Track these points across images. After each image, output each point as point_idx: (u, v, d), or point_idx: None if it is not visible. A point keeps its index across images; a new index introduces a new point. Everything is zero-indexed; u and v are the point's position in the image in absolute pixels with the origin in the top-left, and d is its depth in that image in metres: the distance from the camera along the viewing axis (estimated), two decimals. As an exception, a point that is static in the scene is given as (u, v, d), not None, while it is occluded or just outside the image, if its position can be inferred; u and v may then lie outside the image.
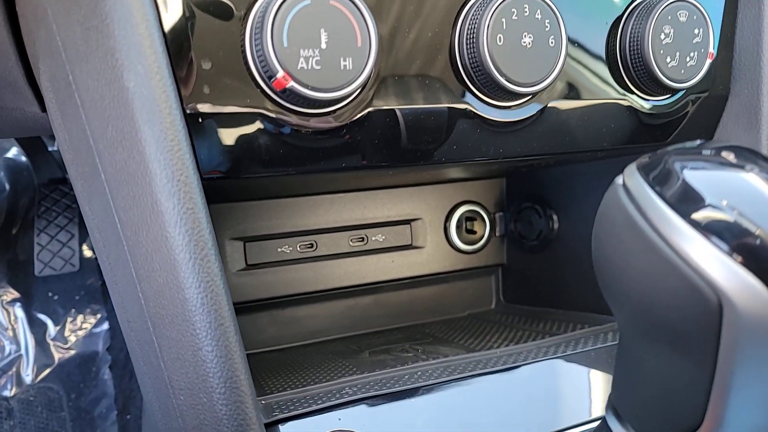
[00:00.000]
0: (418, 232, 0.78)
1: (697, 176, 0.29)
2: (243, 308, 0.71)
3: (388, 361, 0.63)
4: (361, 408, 0.52)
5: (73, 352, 1.39)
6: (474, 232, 0.82)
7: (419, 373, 0.57)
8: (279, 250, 0.72)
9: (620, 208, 0.31)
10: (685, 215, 0.28)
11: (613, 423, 0.37)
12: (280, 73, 0.39)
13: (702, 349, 0.29)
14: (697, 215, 0.28)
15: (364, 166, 0.47)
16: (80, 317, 1.45)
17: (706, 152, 0.31)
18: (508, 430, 0.51)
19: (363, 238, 0.76)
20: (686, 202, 0.28)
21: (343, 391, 0.53)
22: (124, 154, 0.37)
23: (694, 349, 0.30)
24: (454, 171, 0.70)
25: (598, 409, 0.54)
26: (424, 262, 0.79)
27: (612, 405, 0.38)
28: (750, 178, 0.28)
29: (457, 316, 0.82)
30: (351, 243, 0.75)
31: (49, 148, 1.41)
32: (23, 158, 1.44)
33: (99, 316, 1.44)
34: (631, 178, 0.31)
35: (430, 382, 0.54)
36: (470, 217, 0.81)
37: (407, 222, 0.78)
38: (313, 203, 0.73)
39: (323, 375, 0.59)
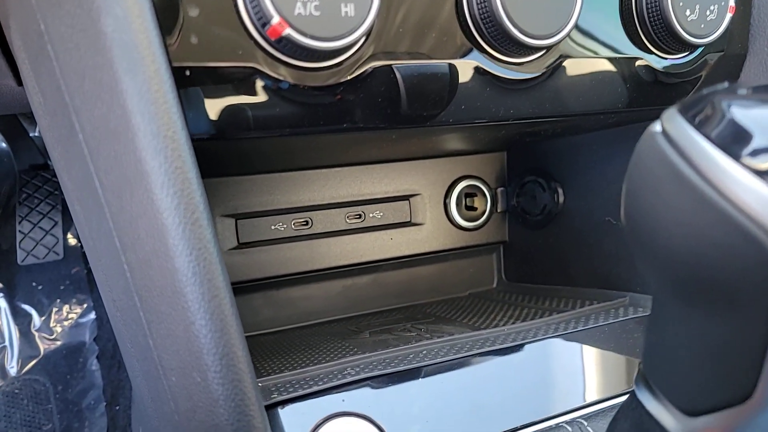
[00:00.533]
0: (417, 208, 0.75)
1: (750, 114, 0.26)
2: (236, 289, 0.67)
3: (391, 341, 0.60)
4: (365, 389, 0.48)
5: (59, 343, 1.35)
6: (474, 209, 0.78)
7: (424, 351, 0.54)
8: (272, 227, 0.68)
9: (660, 156, 0.28)
10: (738, 157, 0.25)
11: (644, 396, 0.35)
12: (276, 19, 0.35)
13: (755, 307, 0.26)
14: (752, 157, 0.25)
15: (364, 128, 0.43)
16: (66, 307, 1.40)
17: (754, 91, 0.28)
18: (521, 410, 0.48)
19: (360, 215, 0.72)
20: (739, 143, 0.25)
21: (345, 372, 0.50)
22: (103, 109, 0.33)
23: (748, 307, 0.27)
24: (454, 142, 0.66)
25: (618, 384, 0.51)
26: (424, 240, 0.76)
27: (643, 377, 0.35)
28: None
29: (458, 296, 0.79)
30: (348, 220, 0.72)
31: (30, 134, 1.36)
32: (3, 144, 1.39)
33: (85, 305, 1.40)
34: (671, 122, 0.28)
35: (437, 360, 0.51)
36: (470, 192, 0.78)
37: (406, 198, 0.75)
38: (307, 178, 0.69)
39: (323, 356, 0.56)
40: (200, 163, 0.36)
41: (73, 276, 1.40)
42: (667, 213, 0.28)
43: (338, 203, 0.71)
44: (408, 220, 0.75)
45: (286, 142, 0.48)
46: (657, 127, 0.29)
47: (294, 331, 0.70)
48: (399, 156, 0.73)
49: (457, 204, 0.77)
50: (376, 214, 0.73)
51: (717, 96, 0.27)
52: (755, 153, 0.25)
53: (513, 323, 0.63)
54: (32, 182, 1.30)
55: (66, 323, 1.38)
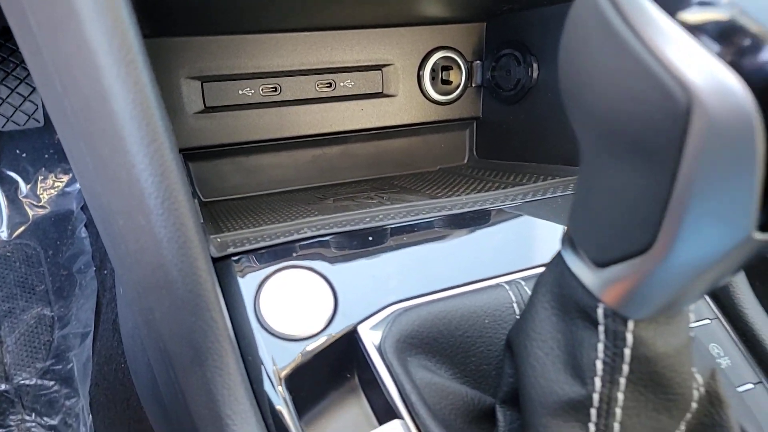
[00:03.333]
0: (390, 78, 0.74)
1: None
2: (205, 153, 0.68)
3: (352, 206, 0.61)
4: (318, 246, 0.50)
5: (47, 210, 1.38)
6: (449, 83, 0.77)
7: (380, 216, 0.55)
8: (240, 92, 0.67)
9: (593, 7, 0.27)
10: (672, 11, 0.24)
11: (566, 252, 0.36)
12: None
13: (664, 159, 0.27)
14: (685, 10, 0.24)
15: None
16: (51, 176, 1.42)
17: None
18: (466, 269, 0.51)
19: (330, 84, 0.71)
20: (674, -2, 0.25)
21: (301, 231, 0.52)
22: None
23: (656, 158, 0.27)
24: (431, 6, 0.64)
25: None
26: (396, 112, 0.75)
27: (568, 235, 0.36)
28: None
29: (428, 170, 0.80)
30: (318, 88, 0.71)
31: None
32: (-27, 4, 1.33)
33: (71, 175, 1.41)
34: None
35: (389, 222, 0.53)
36: (446, 66, 0.77)
37: (378, 67, 0.73)
38: (276, 42, 0.67)
39: (283, 218, 0.58)
40: (162, 20, 0.34)
41: (57, 145, 1.40)
42: (592, 63, 0.28)
43: (308, 70, 0.70)
44: (380, 90, 0.74)
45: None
46: (595, -24, 0.28)
47: (262, 197, 0.71)
48: (373, 22, 0.70)
49: (432, 77, 0.76)
50: (347, 83, 0.72)
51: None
52: (688, 5, 0.24)
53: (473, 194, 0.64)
54: (6, 45, 1.26)
55: (52, 191, 1.40)
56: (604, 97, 0.28)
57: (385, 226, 0.53)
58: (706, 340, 0.52)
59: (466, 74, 0.77)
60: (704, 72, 0.24)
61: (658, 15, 0.25)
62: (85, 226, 1.39)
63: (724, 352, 0.52)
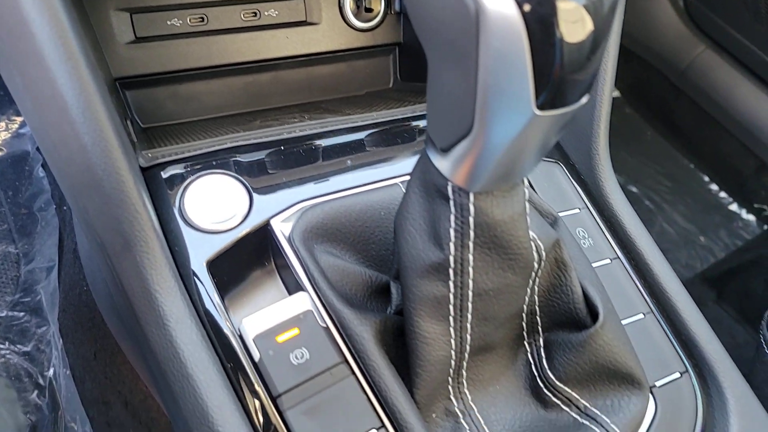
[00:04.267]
0: (312, 7, 0.79)
1: None
2: (140, 82, 0.74)
3: (275, 125, 0.68)
4: (237, 154, 0.58)
5: (3, 152, 1.41)
6: (371, 10, 0.83)
7: (296, 130, 0.63)
8: (168, 22, 0.72)
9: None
10: None
11: (427, 146, 0.44)
12: None
13: (467, 57, 0.34)
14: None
15: None
16: (4, 119, 1.44)
17: None
18: (365, 172, 0.59)
19: (255, 13, 0.76)
20: None
21: (223, 143, 0.59)
22: None
23: (463, 57, 0.35)
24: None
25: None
26: (320, 39, 0.81)
27: (426, 132, 0.44)
28: None
29: (355, 94, 0.87)
30: (243, 17, 0.76)
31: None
32: None
33: (23, 117, 1.44)
34: None
35: (302, 134, 0.60)
36: (367, -7, 0.82)
37: (301, -4, 0.78)
38: (200, -26, 0.72)
39: (210, 136, 0.64)
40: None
41: (4, 86, 1.42)
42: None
43: (232, 0, 0.75)
44: (303, 19, 0.80)
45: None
46: None
47: (197, 122, 0.77)
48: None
49: (353, 5, 0.81)
50: (271, 12, 0.77)
51: None
52: None
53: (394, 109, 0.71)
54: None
55: (7, 134, 1.43)
56: (428, 12, 0.36)
57: (297, 137, 0.60)
58: (573, 225, 0.62)
59: (385, 1, 0.82)
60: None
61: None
62: (42, 166, 1.42)
63: (588, 235, 0.62)
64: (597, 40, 0.34)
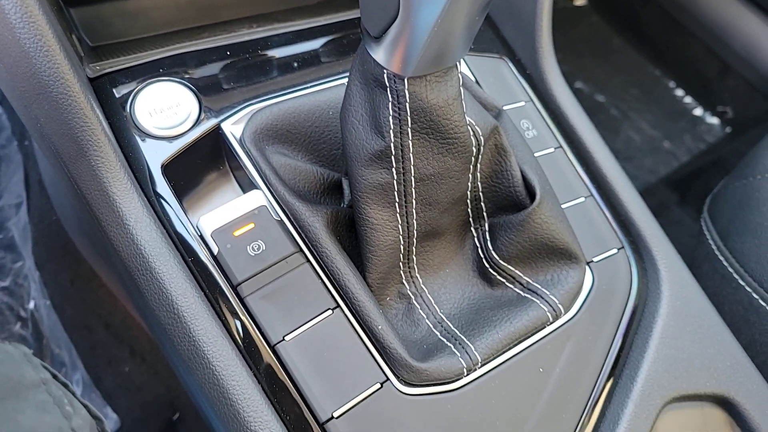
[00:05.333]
0: None
1: None
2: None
3: (223, 35, 0.68)
4: (184, 60, 0.59)
5: (-42, 91, 1.38)
6: None
7: (243, 35, 0.63)
8: (108, -66, 0.71)
9: None
10: None
11: (363, 36, 0.45)
12: None
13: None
14: None
15: None
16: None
17: None
18: (316, 72, 0.60)
19: None
20: None
21: (171, 53, 0.60)
22: None
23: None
24: None
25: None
26: (267, -53, 0.80)
27: (362, 23, 0.45)
28: None
29: (306, 4, 0.86)
30: (185, -73, 0.74)
31: None
32: None
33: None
34: None
35: (247, 38, 0.61)
36: None
37: None
38: None
39: (158, 47, 0.65)
40: None
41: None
42: None
43: None
44: (248, -75, 0.78)
45: None
46: None
47: (146, 38, 0.76)
48: None
49: None
50: None
51: None
52: None
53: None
54: None
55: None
56: None
57: (244, 42, 0.61)
58: (518, 117, 0.64)
59: None
60: None
61: None
62: (0, 103, 1.40)
63: (533, 126, 0.64)
64: None
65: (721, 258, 0.71)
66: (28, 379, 0.39)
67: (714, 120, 1.82)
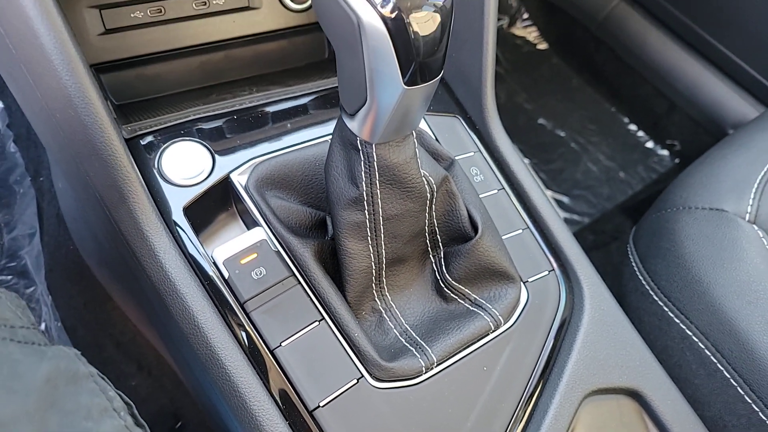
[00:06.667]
0: (253, -6, 0.93)
1: None
2: (112, 67, 0.87)
3: (229, 97, 0.83)
4: (199, 124, 0.73)
5: (-26, 131, 1.51)
6: (304, -7, 0.97)
7: (246, 102, 0.78)
8: (132, 15, 0.85)
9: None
10: None
11: (341, 111, 0.60)
12: None
13: (357, 51, 0.50)
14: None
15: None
16: (-28, 100, 1.54)
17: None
18: (307, 131, 0.75)
19: (205, 2, 0.90)
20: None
21: (188, 116, 0.74)
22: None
23: (355, 51, 0.51)
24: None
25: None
26: (262, 21, 0.95)
27: (341, 103, 0.60)
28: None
29: (296, 66, 1.01)
30: (195, 6, 0.89)
31: None
32: None
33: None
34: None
35: (251, 105, 0.75)
36: (300, -22, 0.96)
37: (242, -15, 0.92)
38: (155, -27, 0.85)
39: (176, 110, 0.79)
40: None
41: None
42: (321, 3, 0.50)
43: (184, -8, 0.88)
44: (246, 5, 0.93)
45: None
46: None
47: (163, 98, 0.91)
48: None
49: (290, -11, 0.95)
50: (218, 1, 0.91)
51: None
52: None
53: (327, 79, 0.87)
54: None
55: (-24, 114, 1.53)
56: (331, 21, 0.51)
57: (247, 108, 0.76)
58: (468, 165, 0.79)
59: (315, -15, 0.96)
60: (363, 6, 0.47)
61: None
62: (14, 142, 1.53)
63: (480, 172, 0.80)
64: (444, 29, 0.50)
65: (641, 277, 0.86)
66: (81, 371, 0.52)
67: (664, 152, 2.00)
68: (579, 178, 1.94)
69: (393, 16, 0.47)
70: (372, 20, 0.47)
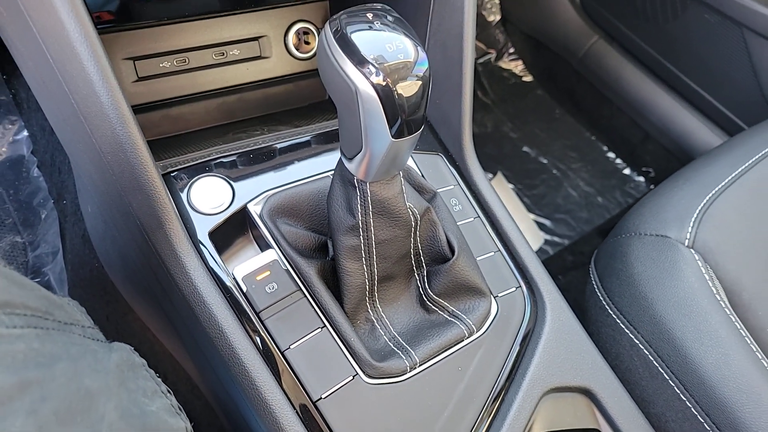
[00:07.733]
0: (265, 46, 1.07)
1: (355, 35, 0.61)
2: (142, 109, 1.01)
3: (243, 137, 0.97)
4: (221, 160, 0.87)
5: (2, 156, 1.65)
6: (309, 43, 1.11)
7: (260, 141, 0.92)
8: (161, 65, 1.00)
9: (323, 46, 0.64)
10: (348, 54, 0.61)
11: (341, 154, 0.74)
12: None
13: (355, 112, 0.64)
14: (352, 54, 0.61)
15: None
16: (0, 128, 1.68)
17: (360, 16, 0.62)
18: (313, 166, 0.88)
19: (223, 53, 1.04)
20: (348, 47, 0.61)
21: (211, 155, 0.88)
22: None
23: (353, 111, 0.64)
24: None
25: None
26: (272, 68, 1.09)
27: (340, 146, 0.74)
28: (376, 33, 0.61)
29: (301, 106, 1.16)
30: (214, 57, 1.04)
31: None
32: None
33: (17, 125, 1.68)
34: (326, 30, 0.63)
35: (265, 144, 0.89)
36: (305, 31, 1.11)
37: (256, 39, 1.06)
38: (182, 29, 0.99)
39: (199, 148, 0.93)
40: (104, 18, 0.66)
41: (2, 102, 1.66)
42: (327, 71, 0.64)
43: (206, 45, 1.02)
44: (258, 54, 1.08)
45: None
46: (326, 27, 0.64)
47: (186, 135, 1.05)
48: (249, 8, 1.03)
49: (296, 41, 1.10)
50: (234, 52, 1.05)
51: (343, 20, 0.62)
52: (353, 52, 0.60)
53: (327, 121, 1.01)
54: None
55: (3, 141, 1.66)
56: (333, 88, 0.65)
57: (259, 147, 0.89)
58: (449, 196, 0.93)
59: (318, 37, 1.11)
60: (359, 78, 0.61)
61: (344, 56, 0.61)
62: (38, 167, 1.66)
63: (459, 202, 0.93)
64: (423, 93, 0.63)
65: (599, 294, 1.00)
66: (137, 361, 0.64)
67: (640, 178, 2.14)
68: (560, 202, 2.08)
69: (383, 85, 0.61)
70: (366, 89, 0.61)
